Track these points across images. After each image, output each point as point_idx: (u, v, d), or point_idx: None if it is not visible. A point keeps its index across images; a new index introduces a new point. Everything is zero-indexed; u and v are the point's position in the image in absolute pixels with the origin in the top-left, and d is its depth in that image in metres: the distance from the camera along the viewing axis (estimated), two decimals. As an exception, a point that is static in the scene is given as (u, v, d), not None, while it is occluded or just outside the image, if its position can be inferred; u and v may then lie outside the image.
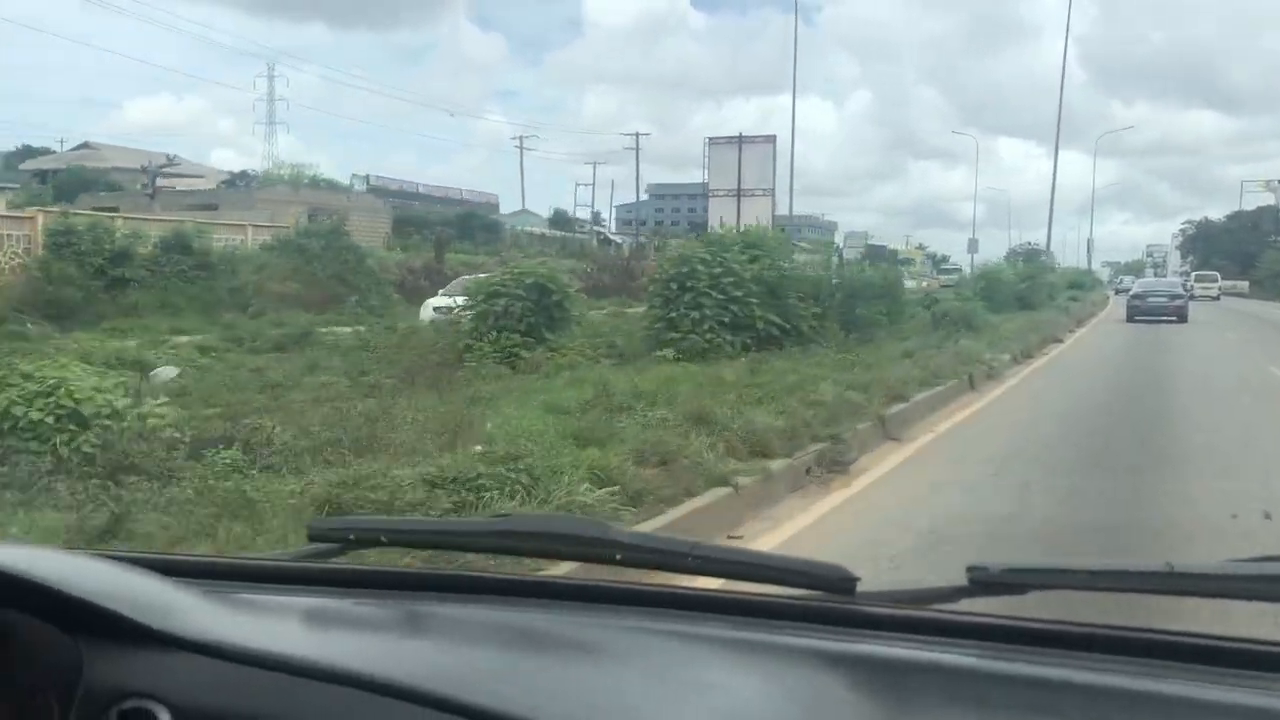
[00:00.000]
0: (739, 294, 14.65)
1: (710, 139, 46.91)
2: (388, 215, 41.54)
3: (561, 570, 1.59)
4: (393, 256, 29.64)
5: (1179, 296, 32.84)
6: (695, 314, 14.45)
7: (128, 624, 1.01)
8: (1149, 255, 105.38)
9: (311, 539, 1.39)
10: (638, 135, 69.17)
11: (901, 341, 15.44)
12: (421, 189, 60.13)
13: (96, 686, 0.99)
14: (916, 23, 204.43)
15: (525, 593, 1.27)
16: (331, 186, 42.97)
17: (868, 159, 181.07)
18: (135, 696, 0.99)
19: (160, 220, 28.50)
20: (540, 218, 66.28)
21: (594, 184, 68.49)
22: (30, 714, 1.04)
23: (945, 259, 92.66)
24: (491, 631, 1.17)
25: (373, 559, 1.55)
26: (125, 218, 28.88)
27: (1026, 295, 30.70)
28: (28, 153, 54.51)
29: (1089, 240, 77.24)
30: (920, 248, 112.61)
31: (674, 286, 15.13)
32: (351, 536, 1.39)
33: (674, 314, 14.60)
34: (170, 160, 41.55)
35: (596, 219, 71.93)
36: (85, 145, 44.98)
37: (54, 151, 46.77)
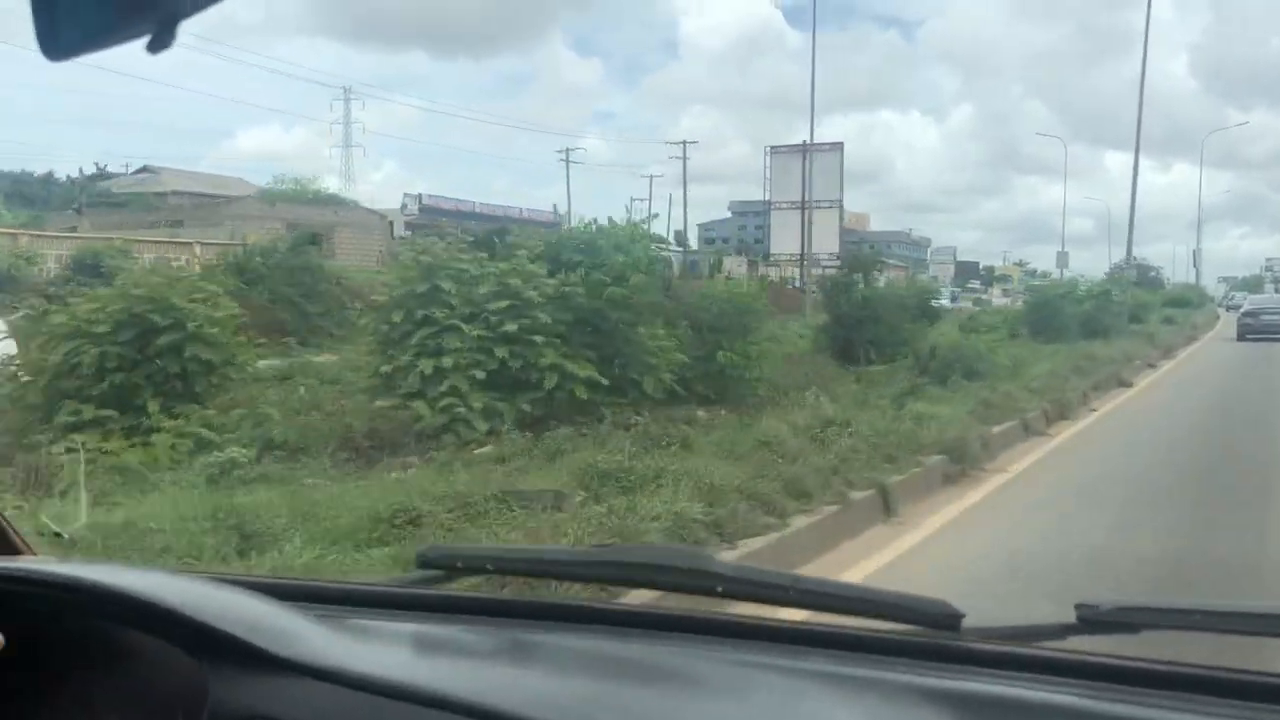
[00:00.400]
0: (515, 328, 9.09)
1: (771, 147, 44.12)
2: (384, 231, 45.34)
3: (662, 601, 1.71)
4: (379, 276, 28.50)
5: None
6: (425, 366, 8.73)
7: (250, 648, 1.16)
8: (1268, 269, 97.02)
9: (420, 565, 1.52)
10: (685, 144, 71.47)
11: (833, 403, 10.28)
12: (479, 208, 67.55)
13: (221, 707, 1.14)
14: (1021, 36, 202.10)
15: (628, 623, 1.38)
16: (336, 202, 47.38)
17: (969, 174, 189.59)
18: (257, 718, 1.12)
19: (83, 238, 28.85)
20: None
21: (650, 198, 72.41)
22: None
23: (1046, 275, 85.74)
24: (596, 661, 1.29)
25: (478, 585, 1.73)
26: (38, 236, 28.05)
27: (1095, 318, 28.13)
28: (100, 177, 60.32)
29: (1194, 252, 73.30)
30: (1019, 264, 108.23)
31: (398, 319, 9.27)
32: (459, 564, 1.51)
33: (391, 366, 8.99)
34: (100, 172, 36.20)
35: (679, 238, 64.83)
36: (145, 169, 54.38)
37: (119, 175, 56.85)
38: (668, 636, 1.34)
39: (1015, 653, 1.21)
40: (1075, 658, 1.17)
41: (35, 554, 1.54)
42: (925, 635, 1.26)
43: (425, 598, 1.47)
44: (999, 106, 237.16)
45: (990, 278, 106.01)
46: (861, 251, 27.92)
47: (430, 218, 53.87)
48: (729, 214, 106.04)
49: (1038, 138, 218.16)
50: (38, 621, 1.24)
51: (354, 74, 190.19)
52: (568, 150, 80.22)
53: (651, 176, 77.73)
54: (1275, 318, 32.92)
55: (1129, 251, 43.80)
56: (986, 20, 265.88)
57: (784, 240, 47.80)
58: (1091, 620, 1.21)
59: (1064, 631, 1.23)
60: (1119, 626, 1.20)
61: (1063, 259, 59.98)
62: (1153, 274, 52.93)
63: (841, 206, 42.87)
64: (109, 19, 0.66)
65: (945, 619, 1.24)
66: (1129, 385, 17.27)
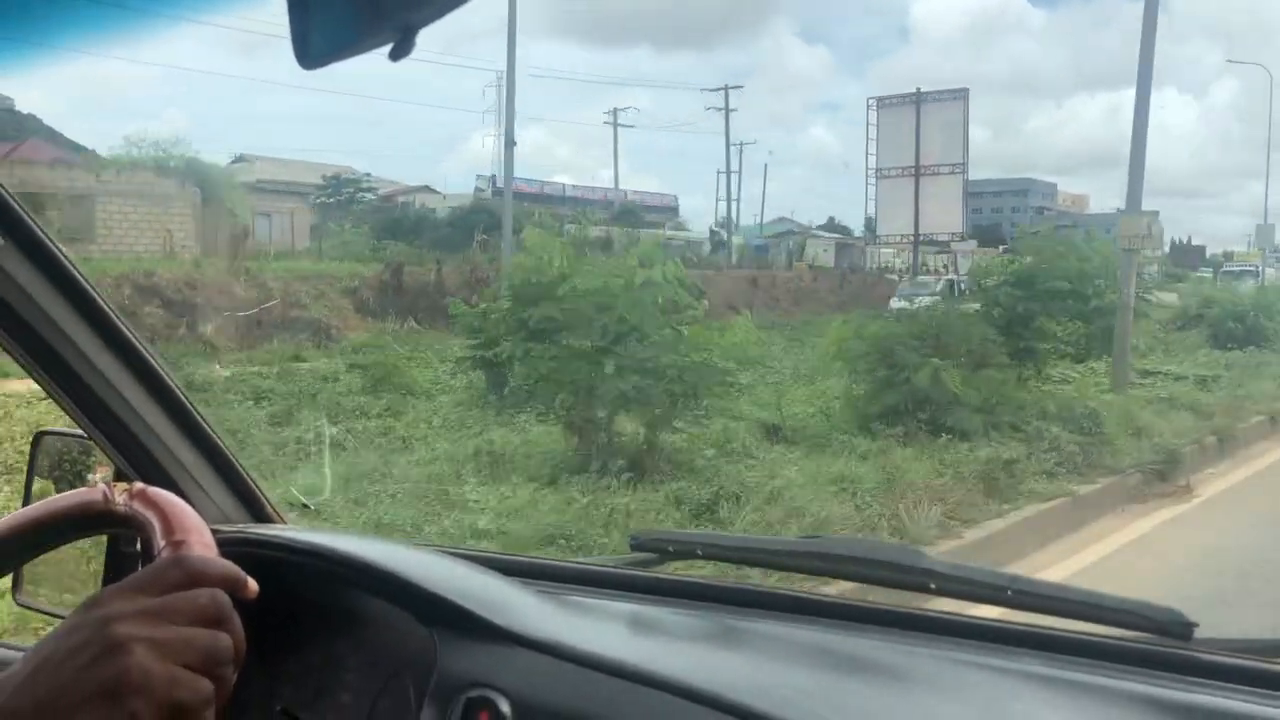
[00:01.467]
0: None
1: (877, 99, 34.65)
2: (193, 205, 32.92)
3: (869, 594, 1.71)
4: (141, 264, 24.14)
5: None
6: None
7: (477, 620, 1.19)
8: None
9: (633, 548, 1.56)
10: (726, 89, 57.33)
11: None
12: (569, 191, 59.09)
13: (447, 674, 1.16)
14: None
15: (837, 615, 1.36)
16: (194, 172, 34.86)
17: (1234, 155, 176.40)
18: (480, 686, 1.14)
19: None
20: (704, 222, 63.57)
21: (740, 170, 64.21)
22: (389, 695, 1.23)
23: None
24: (807, 651, 1.26)
25: (687, 570, 1.72)
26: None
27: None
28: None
29: None
30: (1275, 250, 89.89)
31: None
32: (670, 548, 1.54)
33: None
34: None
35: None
36: (241, 158, 50.99)
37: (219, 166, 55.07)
38: (878, 630, 1.32)
39: (1254, 667, 1.13)
40: None
41: (285, 523, 1.62)
42: (1153, 643, 1.19)
43: (638, 579, 1.50)
44: (1269, 80, 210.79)
45: (1221, 263, 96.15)
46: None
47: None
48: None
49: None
50: (289, 585, 1.32)
51: (581, 72, 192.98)
52: (615, 111, 63.45)
53: (742, 144, 63.16)
54: None
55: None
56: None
57: (895, 217, 36.62)
58: None
59: None
60: None
61: (1265, 234, 45.98)
62: None
63: (966, 171, 32.26)
64: (353, 30, 0.70)
65: (1176, 627, 1.18)
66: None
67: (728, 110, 54.75)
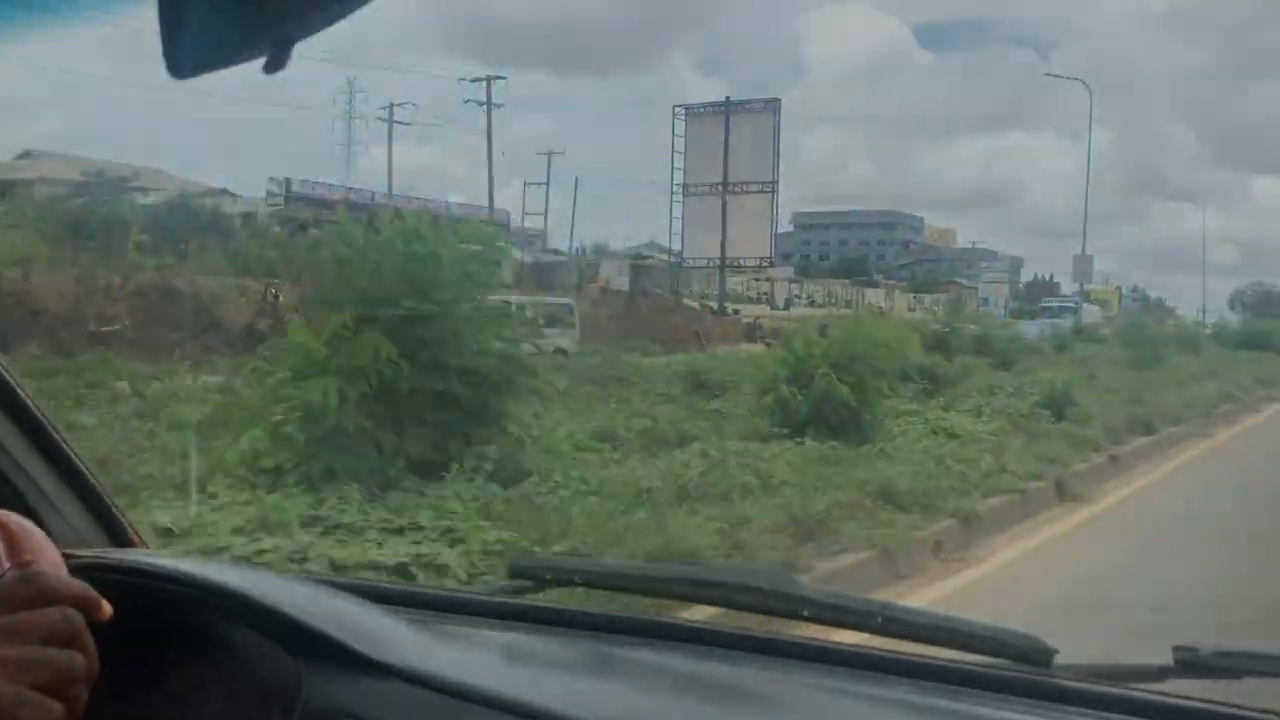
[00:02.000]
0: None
1: (685, 108, 30.80)
2: None
3: (745, 621, 1.64)
4: None
5: None
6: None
7: (344, 649, 1.17)
8: None
9: (512, 575, 1.54)
10: (489, 80, 48.35)
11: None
12: (379, 198, 47.86)
13: (313, 704, 1.14)
14: (1167, 56, 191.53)
15: (713, 642, 1.36)
16: None
17: (1105, 199, 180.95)
18: (347, 717, 1.12)
19: None
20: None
21: (548, 182, 56.96)
22: None
23: (1159, 301, 77.27)
24: (681, 679, 1.27)
25: (566, 598, 1.71)
26: None
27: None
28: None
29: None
30: (1132, 291, 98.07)
31: None
32: (549, 575, 1.53)
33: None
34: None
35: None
36: (27, 154, 49.05)
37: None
38: (752, 658, 1.32)
39: (1108, 693, 1.16)
40: (1171, 701, 1.12)
41: (147, 547, 1.54)
42: (1015, 670, 1.21)
43: (514, 607, 1.48)
44: (1138, 129, 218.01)
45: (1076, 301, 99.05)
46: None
47: (304, 207, 42.72)
48: (792, 227, 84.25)
49: (1180, 163, 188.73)
50: (149, 611, 1.26)
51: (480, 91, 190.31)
52: (391, 106, 56.46)
53: (550, 153, 57.67)
54: None
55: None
56: (1127, 41, 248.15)
57: (702, 239, 32.59)
58: (1190, 663, 1.15)
59: (1161, 674, 1.17)
60: (1219, 671, 1.15)
61: (1082, 266, 44.44)
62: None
63: (776, 190, 29.07)
64: (227, 41, 0.68)
65: (1036, 654, 1.20)
66: None
67: (490, 105, 47.13)
